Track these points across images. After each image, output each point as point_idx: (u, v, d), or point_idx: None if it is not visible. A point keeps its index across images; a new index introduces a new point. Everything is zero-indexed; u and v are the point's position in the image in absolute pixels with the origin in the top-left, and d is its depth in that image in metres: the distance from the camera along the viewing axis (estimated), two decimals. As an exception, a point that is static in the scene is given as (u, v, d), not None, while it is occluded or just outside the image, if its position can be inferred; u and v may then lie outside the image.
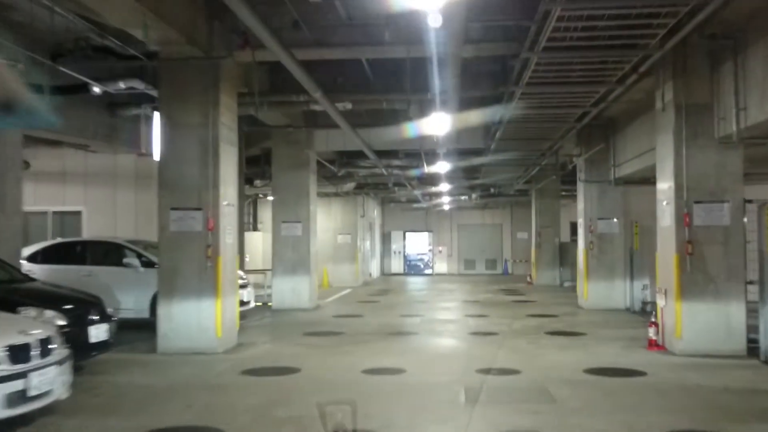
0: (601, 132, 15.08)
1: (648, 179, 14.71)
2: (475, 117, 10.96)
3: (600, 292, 15.46)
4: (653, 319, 9.85)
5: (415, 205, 31.10)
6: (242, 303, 13.13)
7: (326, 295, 19.88)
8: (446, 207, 30.76)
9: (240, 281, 13.26)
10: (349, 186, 20.87)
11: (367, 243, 27.27)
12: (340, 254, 24.24)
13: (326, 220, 24.68)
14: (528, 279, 24.83)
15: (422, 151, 15.59)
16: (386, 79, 11.74)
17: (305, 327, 12.55)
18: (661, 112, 9.80)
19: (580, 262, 16.00)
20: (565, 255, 24.32)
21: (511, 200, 30.30)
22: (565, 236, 26.67)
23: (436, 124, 11.03)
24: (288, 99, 11.60)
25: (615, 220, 15.48)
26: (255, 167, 19.24)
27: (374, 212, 29.49)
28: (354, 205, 24.45)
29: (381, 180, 21.75)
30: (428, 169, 16.26)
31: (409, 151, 16.92)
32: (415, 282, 27.65)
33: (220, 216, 9.87)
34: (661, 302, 9.81)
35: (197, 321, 9.70)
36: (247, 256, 22.84)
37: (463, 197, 28.78)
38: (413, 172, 16.61)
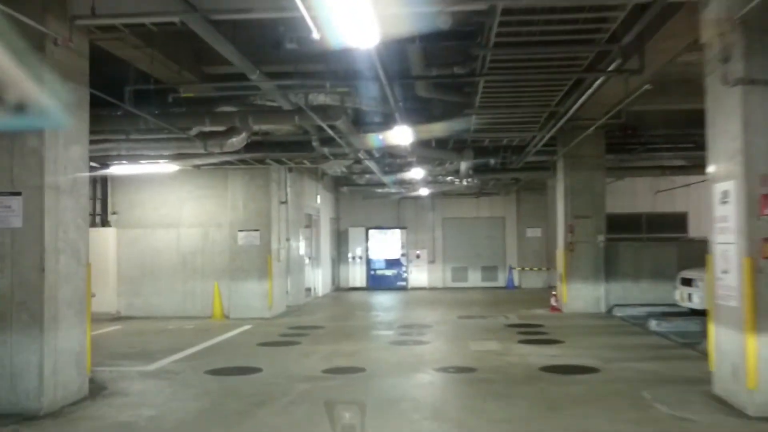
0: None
1: None
2: None
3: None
4: None
5: (381, 191, 21.51)
6: None
7: (181, 344, 10.24)
8: (425, 191, 21.12)
9: None
10: (234, 143, 11.29)
11: (299, 245, 17.63)
12: (242, 264, 14.59)
13: (217, 208, 15.02)
14: (553, 301, 15.22)
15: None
16: None
17: None
18: None
19: (729, 289, 6.37)
20: (613, 262, 14.77)
21: (519, 180, 20.73)
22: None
23: None
24: None
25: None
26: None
27: (317, 199, 19.86)
28: (265, 182, 14.78)
29: (292, 132, 12.20)
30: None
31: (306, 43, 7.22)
32: (376, 305, 18.00)
33: None
34: None
35: None
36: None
37: (448, 177, 19.23)
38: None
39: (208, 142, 11.29)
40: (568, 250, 14.74)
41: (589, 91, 9.06)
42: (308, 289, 19.16)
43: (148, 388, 7.66)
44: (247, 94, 10.18)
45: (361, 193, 22.76)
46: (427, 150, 13.25)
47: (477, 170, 16.23)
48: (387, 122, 11.06)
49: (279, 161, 13.78)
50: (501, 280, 23.44)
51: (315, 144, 12.53)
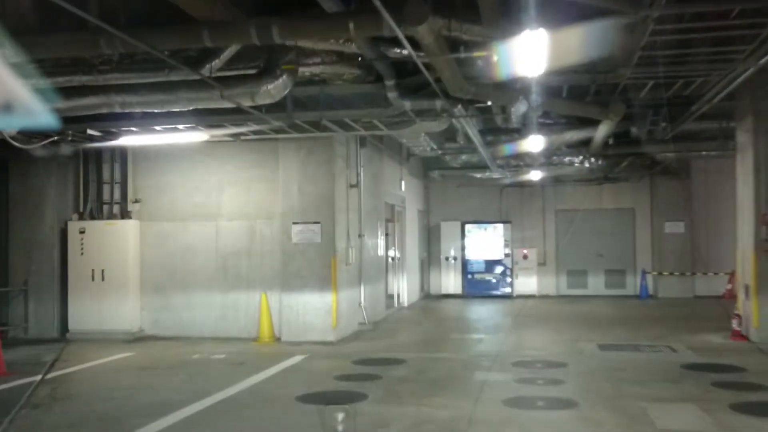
0: None
1: None
2: None
3: None
4: None
5: (480, 176, 17.34)
6: None
7: (188, 394, 6.48)
8: (536, 175, 16.72)
9: None
10: (270, 91, 7.47)
11: (377, 243, 13.74)
12: (297, 268, 10.80)
13: (267, 194, 11.32)
14: (735, 323, 10.57)
15: None
16: None
17: None
18: None
19: None
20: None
21: (657, 162, 16.09)
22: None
23: None
24: None
25: None
26: None
27: (401, 185, 15.91)
28: (328, 157, 10.92)
29: (357, 78, 8.22)
30: None
31: None
32: (476, 321, 13.92)
33: None
34: None
35: None
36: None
37: (566, 158, 15.00)
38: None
39: (230, 91, 7.52)
40: (761, 251, 10.11)
41: None
42: (391, 297, 15.30)
43: None
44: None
45: (456, 179, 18.62)
46: (557, 103, 8.97)
47: (618, 141, 11.80)
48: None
49: (342, 124, 9.85)
50: (630, 288, 18.77)
51: (391, 95, 8.55)
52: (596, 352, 9.41)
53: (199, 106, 8.18)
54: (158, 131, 9.82)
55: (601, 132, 10.74)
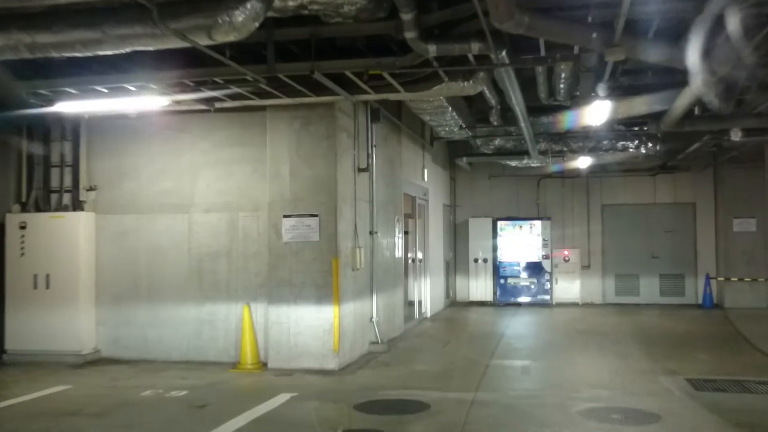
0: None
1: None
2: None
3: None
4: None
5: (516, 164, 14.82)
6: None
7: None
8: (584, 162, 14.09)
9: None
10: (237, 24, 5.11)
11: (394, 242, 11.28)
12: (288, 273, 8.37)
13: (252, 179, 8.90)
14: None
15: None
16: None
17: None
18: None
19: None
20: None
21: (727, 150, 13.43)
22: None
23: None
24: None
25: None
26: None
27: (423, 175, 13.42)
28: (329, 131, 8.43)
29: (363, 14, 5.74)
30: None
31: None
32: (515, 339, 11.33)
33: None
34: None
35: None
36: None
37: (619, 143, 12.61)
38: None
39: (176, 23, 5.14)
40: None
41: None
42: (411, 304, 12.87)
43: None
44: None
45: (487, 169, 16.15)
46: (641, 47, 6.39)
47: (705, 112, 9.21)
48: None
49: (343, 83, 7.32)
50: (690, 295, 16.12)
51: (410, 35, 6.04)
52: (691, 394, 6.86)
53: (138, 48, 5.76)
54: (105, 94, 7.45)
55: (686, 97, 8.15)
